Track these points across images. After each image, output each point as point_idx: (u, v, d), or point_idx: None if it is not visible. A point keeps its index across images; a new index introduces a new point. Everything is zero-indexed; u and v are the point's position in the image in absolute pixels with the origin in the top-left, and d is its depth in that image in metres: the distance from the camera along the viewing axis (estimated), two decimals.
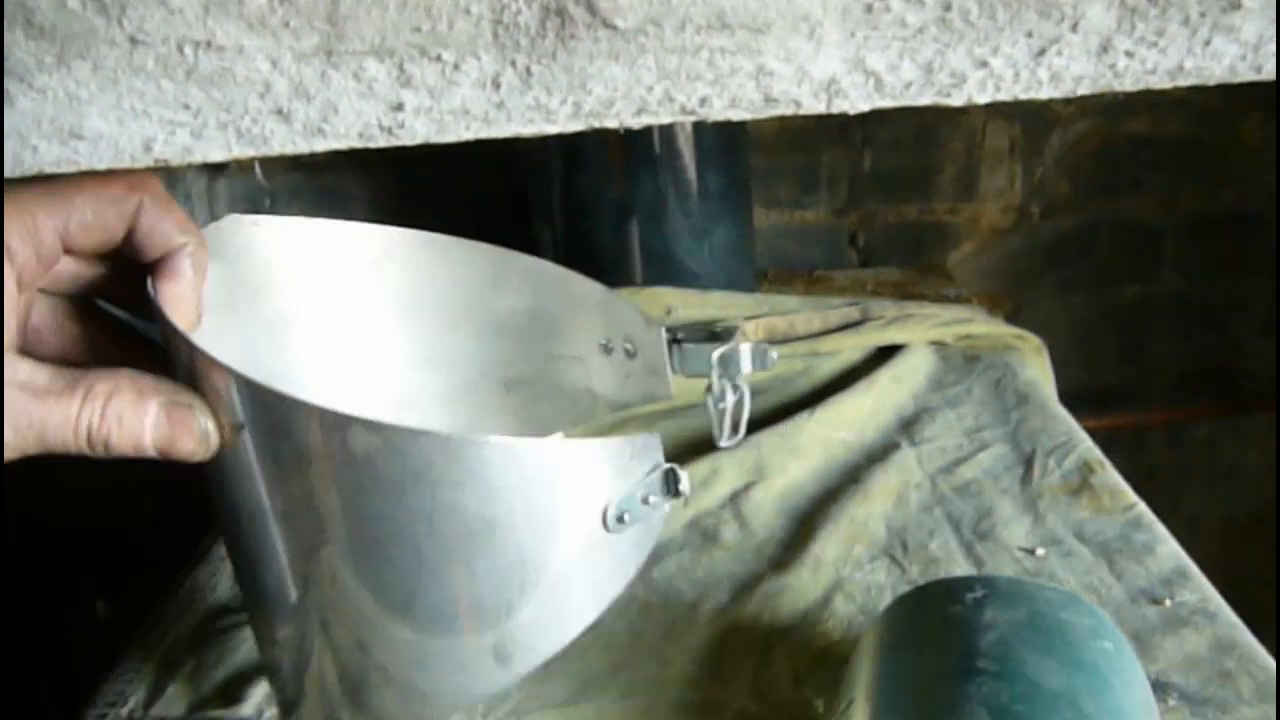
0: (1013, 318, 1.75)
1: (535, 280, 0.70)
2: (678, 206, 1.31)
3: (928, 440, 1.06)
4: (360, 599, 0.52)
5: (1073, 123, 1.71)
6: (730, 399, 0.70)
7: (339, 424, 0.48)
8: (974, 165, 1.72)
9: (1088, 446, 1.05)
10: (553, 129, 0.49)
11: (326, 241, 0.66)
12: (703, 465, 0.99)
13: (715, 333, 0.70)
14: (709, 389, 0.70)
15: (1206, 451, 1.90)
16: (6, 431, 0.46)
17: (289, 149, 0.49)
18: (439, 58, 0.46)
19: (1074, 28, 0.45)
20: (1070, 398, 1.79)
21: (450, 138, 0.49)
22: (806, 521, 0.94)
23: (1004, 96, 0.49)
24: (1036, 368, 1.26)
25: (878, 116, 1.66)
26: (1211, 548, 1.93)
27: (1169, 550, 0.88)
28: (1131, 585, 0.84)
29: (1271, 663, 0.75)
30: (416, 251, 0.69)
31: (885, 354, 1.22)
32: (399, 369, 0.70)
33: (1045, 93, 0.48)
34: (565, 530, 0.52)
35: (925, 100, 0.49)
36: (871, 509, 0.94)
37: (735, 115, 0.49)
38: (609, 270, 1.33)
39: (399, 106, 0.47)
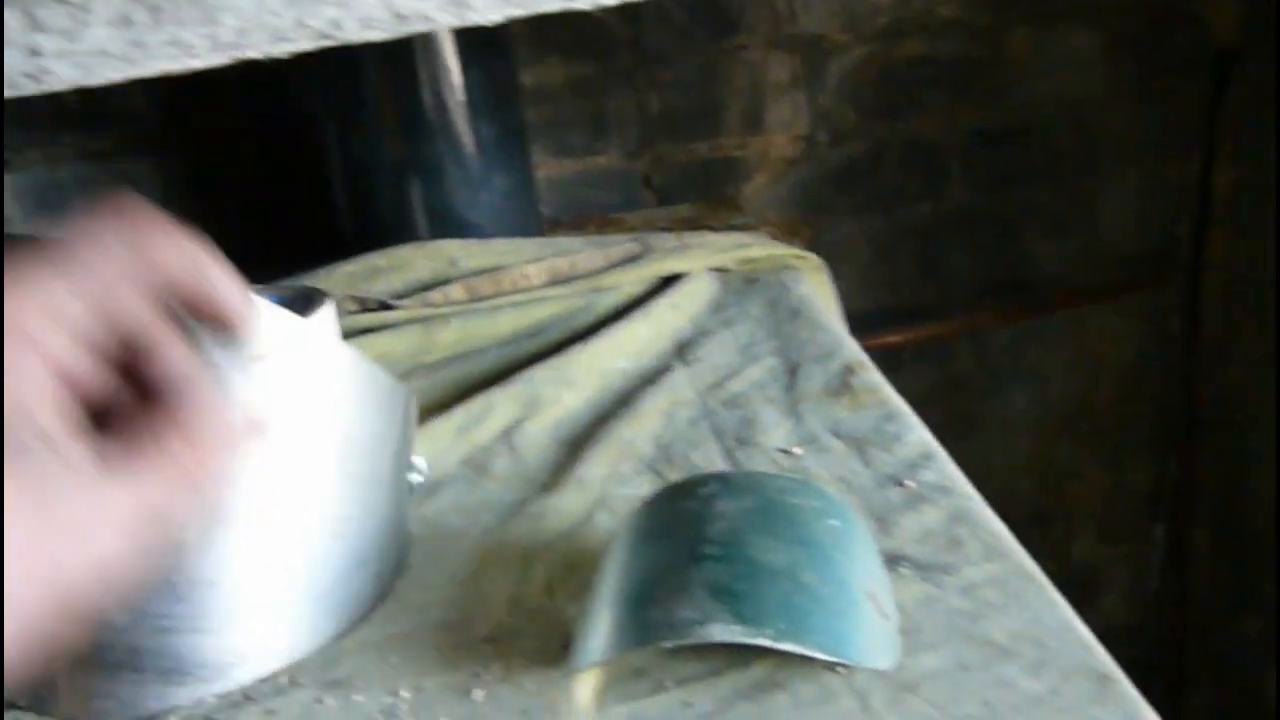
0: (812, 244, 1.80)
1: None
2: (453, 161, 1.33)
3: (700, 360, 1.10)
4: None
5: (850, 50, 1.76)
6: None
7: None
8: (758, 99, 1.76)
9: (852, 351, 1.10)
10: (197, 63, 0.51)
11: None
12: (476, 403, 1.01)
13: None
14: None
15: (1010, 357, 1.98)
16: None
17: None
18: (65, 0, 0.47)
19: None
20: (874, 316, 1.86)
21: (97, 80, 0.50)
22: (577, 446, 0.97)
23: None
24: (814, 284, 1.30)
25: (658, 58, 1.70)
26: (1024, 449, 2.03)
27: (917, 437, 0.93)
28: (880, 472, 0.88)
29: (999, 524, 0.80)
30: None
31: (668, 284, 1.26)
32: None
33: None
34: None
35: (553, 6, 0.52)
36: (640, 429, 0.97)
37: (372, 35, 0.51)
38: (393, 229, 1.34)
39: (37, 52, 0.48)
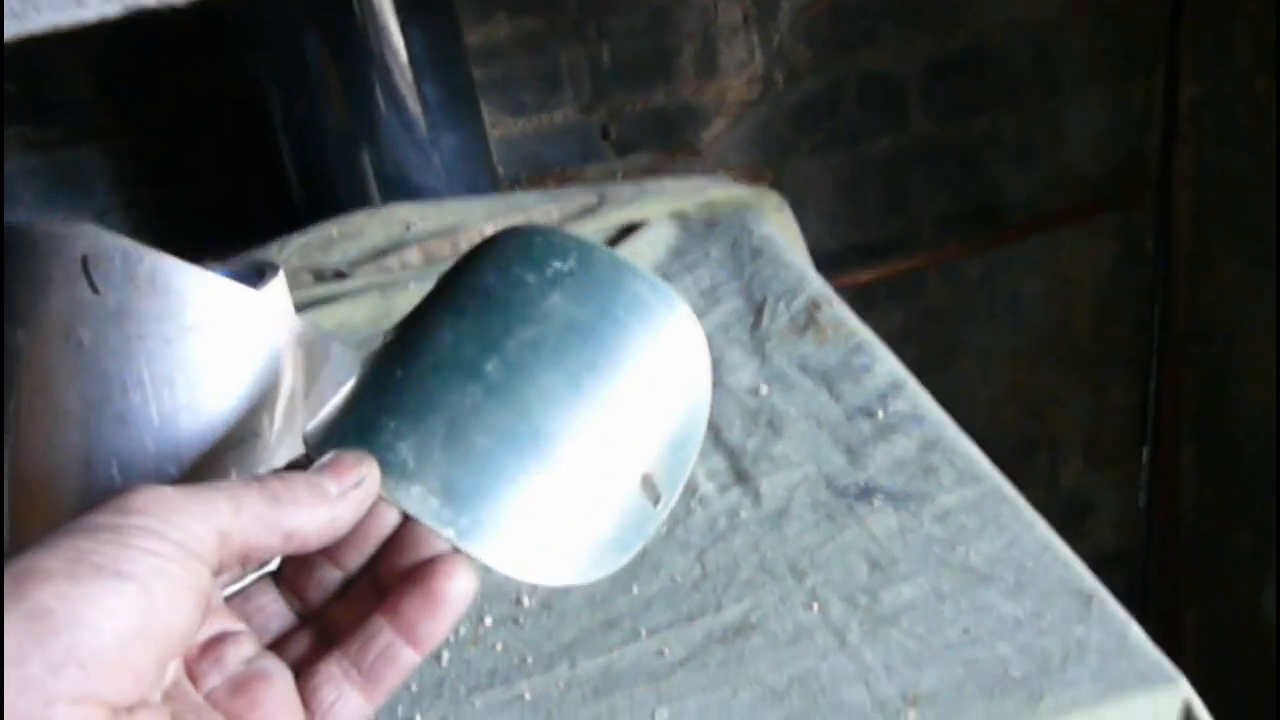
0: (776, 186, 1.78)
1: None
2: (400, 124, 1.30)
3: None
4: None
5: None
6: None
7: None
8: (711, 42, 1.73)
9: (817, 287, 1.07)
10: (89, 14, 0.48)
11: None
12: None
13: None
14: None
15: (983, 286, 1.96)
16: None
17: None
18: None
19: None
20: (843, 254, 1.84)
21: None
22: None
23: None
24: (775, 223, 1.27)
25: (607, 7, 1.67)
26: (1005, 378, 2.01)
27: (886, 368, 0.91)
28: (849, 404, 0.86)
29: (973, 449, 0.78)
30: None
31: (627, 234, 1.23)
32: None
33: None
34: None
35: None
36: None
37: None
38: (345, 197, 1.32)
39: None
